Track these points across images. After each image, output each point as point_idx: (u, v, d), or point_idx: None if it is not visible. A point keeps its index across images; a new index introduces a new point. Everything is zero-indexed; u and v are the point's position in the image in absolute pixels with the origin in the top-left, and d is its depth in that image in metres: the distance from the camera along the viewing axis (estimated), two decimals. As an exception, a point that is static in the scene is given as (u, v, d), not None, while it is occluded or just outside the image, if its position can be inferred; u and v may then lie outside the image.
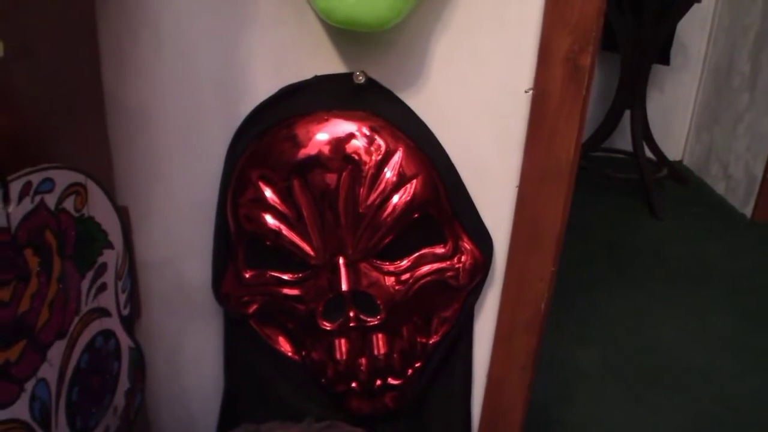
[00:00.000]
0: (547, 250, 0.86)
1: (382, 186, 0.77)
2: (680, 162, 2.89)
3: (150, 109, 0.82)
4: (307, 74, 0.79)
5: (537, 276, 0.87)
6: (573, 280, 1.87)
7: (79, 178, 0.69)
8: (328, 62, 0.79)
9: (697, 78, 2.77)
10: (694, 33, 2.66)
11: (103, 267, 0.76)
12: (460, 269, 0.82)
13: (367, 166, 0.77)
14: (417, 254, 0.82)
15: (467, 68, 0.79)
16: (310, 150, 0.77)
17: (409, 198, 0.78)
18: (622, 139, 2.62)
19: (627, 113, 2.47)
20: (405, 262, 0.81)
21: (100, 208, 0.74)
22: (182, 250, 0.89)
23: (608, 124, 2.52)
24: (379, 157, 0.77)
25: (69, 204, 0.68)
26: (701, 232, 2.32)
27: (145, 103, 0.82)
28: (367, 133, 0.77)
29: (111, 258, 0.77)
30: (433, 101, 0.80)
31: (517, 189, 0.83)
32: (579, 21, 0.76)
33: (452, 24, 0.77)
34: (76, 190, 0.69)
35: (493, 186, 0.84)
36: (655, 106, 2.72)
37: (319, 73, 0.79)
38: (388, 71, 0.79)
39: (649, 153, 2.53)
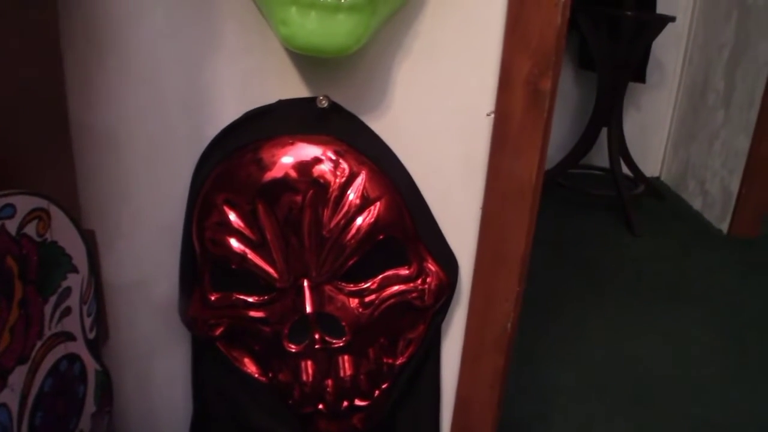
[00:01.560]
0: (512, 271, 0.87)
1: (345, 208, 0.78)
2: (658, 178, 2.93)
3: (116, 131, 0.82)
4: (271, 99, 0.80)
5: (503, 296, 0.88)
6: (550, 298, 1.88)
7: (42, 203, 0.70)
8: (292, 87, 0.80)
9: (674, 95, 2.81)
10: (669, 50, 2.70)
11: (67, 291, 0.76)
12: (425, 290, 0.83)
13: (330, 189, 0.78)
14: (381, 276, 0.82)
15: (429, 92, 0.80)
16: (274, 173, 0.77)
17: (372, 220, 0.79)
18: (600, 156, 2.65)
19: (604, 131, 2.50)
20: (369, 284, 0.82)
21: (63, 233, 0.74)
22: (150, 272, 0.90)
23: (586, 142, 2.55)
24: (343, 179, 0.78)
25: (31, 229, 0.68)
26: (678, 248, 2.35)
27: (111, 125, 0.82)
28: (332, 157, 0.78)
29: (75, 282, 0.77)
30: (395, 124, 0.81)
31: (480, 210, 0.85)
32: (539, 45, 0.78)
33: (414, 49, 0.79)
34: (38, 215, 0.69)
35: (457, 207, 0.85)
36: (632, 123, 2.76)
37: (284, 97, 0.80)
38: (351, 95, 0.80)
39: (626, 170, 2.56)
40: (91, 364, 0.81)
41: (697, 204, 2.64)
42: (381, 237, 0.79)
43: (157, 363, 0.95)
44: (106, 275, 0.89)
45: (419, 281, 0.83)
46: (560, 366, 1.59)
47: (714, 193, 2.53)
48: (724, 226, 2.45)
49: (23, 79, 0.70)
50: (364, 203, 0.78)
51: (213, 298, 0.83)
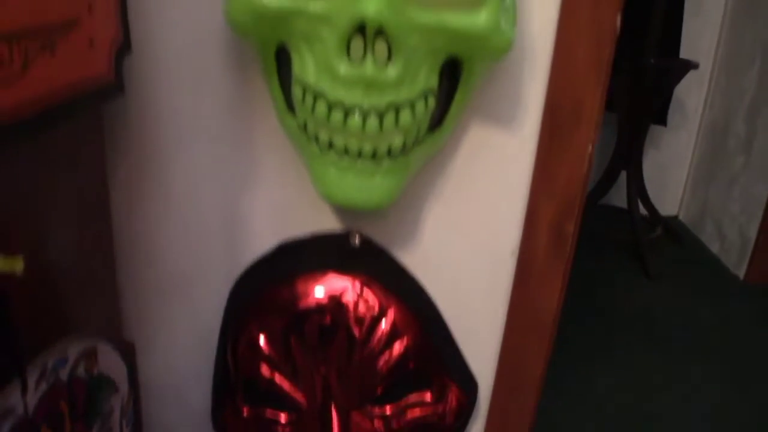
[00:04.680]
0: (529, 392, 0.90)
1: (375, 340, 0.82)
2: (675, 217, 2.93)
3: (157, 250, 0.87)
4: (305, 230, 0.84)
5: (519, 414, 0.92)
6: (563, 347, 1.91)
7: (90, 343, 0.74)
8: (325, 219, 0.84)
9: (694, 136, 2.82)
10: (691, 92, 2.70)
11: (110, 411, 0.81)
12: (447, 412, 0.87)
13: (362, 321, 0.82)
14: (405, 400, 0.86)
15: (457, 230, 0.84)
16: (306, 305, 0.82)
17: (400, 352, 0.83)
18: (618, 195, 2.66)
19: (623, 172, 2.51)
20: (393, 409, 0.86)
21: (109, 364, 0.78)
22: (185, 377, 0.94)
23: (605, 184, 2.57)
24: (373, 313, 0.82)
25: (80, 370, 0.73)
26: (694, 294, 2.36)
27: (152, 244, 0.87)
28: (362, 290, 0.82)
29: (117, 401, 0.82)
30: (424, 258, 0.85)
31: (502, 338, 0.88)
32: (564, 192, 0.81)
33: (445, 189, 0.82)
34: (86, 354, 0.74)
35: (479, 335, 0.88)
36: (652, 161, 2.77)
37: (317, 229, 0.84)
38: (382, 230, 0.84)
39: (643, 209, 2.58)
40: (129, 473, 0.86)
41: (714, 247, 2.65)
42: (407, 367, 0.83)
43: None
44: (141, 378, 0.93)
45: (441, 404, 0.87)
46: (573, 420, 1.61)
47: (732, 238, 2.54)
48: (741, 272, 2.46)
49: (77, 231, 0.74)
50: (393, 335, 0.82)
51: (245, 412, 0.88)
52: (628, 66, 2.27)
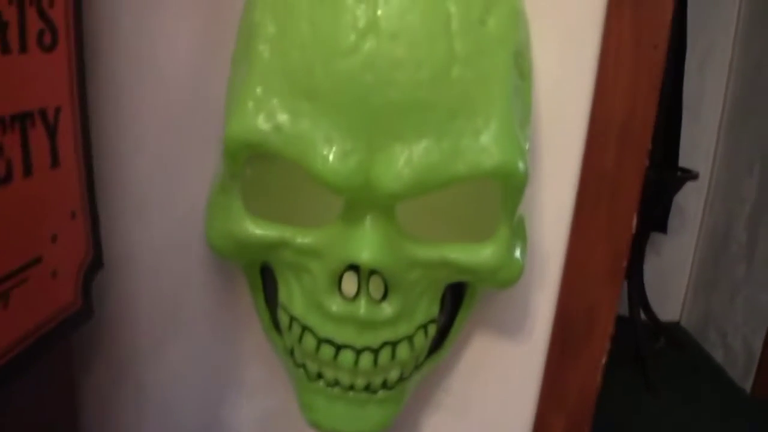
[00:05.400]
0: None
1: None
2: (677, 323, 2.86)
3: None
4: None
5: None
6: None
7: None
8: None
9: (694, 241, 2.77)
10: (690, 198, 2.67)
11: None
12: None
13: None
14: None
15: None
16: None
17: None
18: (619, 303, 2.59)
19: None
20: None
21: None
22: None
23: (605, 293, 2.50)
24: None
25: None
26: (699, 410, 2.26)
27: None
28: None
29: None
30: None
31: None
32: (576, 405, 0.74)
33: (444, 403, 0.75)
34: None
35: None
36: (653, 267, 2.72)
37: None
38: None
39: (645, 315, 2.51)
40: None
41: (718, 356, 2.57)
42: None
43: None
44: None
45: None
46: None
47: (737, 349, 2.46)
48: (747, 385, 2.38)
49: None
50: None
51: None
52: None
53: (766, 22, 2.43)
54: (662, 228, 2.58)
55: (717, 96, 2.64)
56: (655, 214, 2.39)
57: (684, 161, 2.48)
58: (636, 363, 2.42)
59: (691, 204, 2.70)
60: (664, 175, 2.31)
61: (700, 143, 2.61)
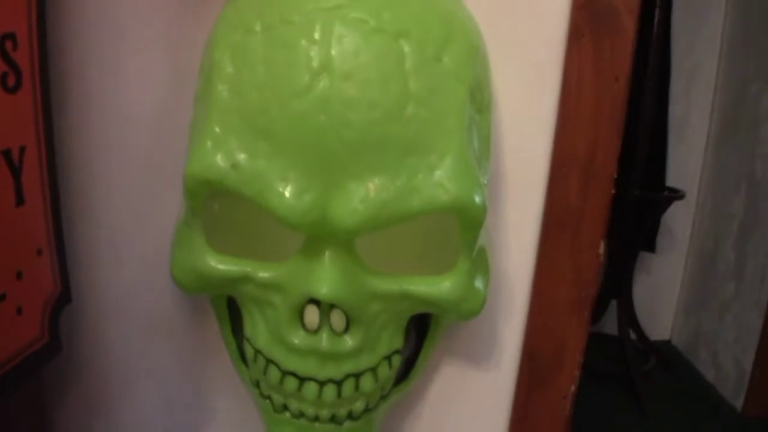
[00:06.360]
0: None
1: None
2: (668, 342, 2.86)
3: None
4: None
5: None
6: None
7: None
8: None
9: (683, 260, 2.78)
10: (677, 217, 2.68)
11: None
12: None
13: None
14: None
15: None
16: None
17: None
18: (608, 322, 2.60)
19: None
20: None
21: None
22: None
23: (594, 314, 2.50)
24: None
25: None
26: (690, 428, 2.26)
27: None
28: None
29: None
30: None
31: None
32: (545, 434, 0.74)
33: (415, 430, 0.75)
34: None
35: None
36: (642, 286, 2.72)
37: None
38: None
39: (633, 334, 2.51)
40: None
41: (710, 375, 2.56)
42: None
43: None
44: None
45: None
46: None
47: (727, 367, 2.46)
48: (738, 404, 2.37)
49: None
50: None
51: None
52: (614, 198, 2.25)
53: (751, 42, 2.46)
54: (650, 247, 2.59)
55: (703, 115, 2.66)
56: (643, 234, 2.39)
57: (671, 181, 2.50)
58: (626, 383, 2.41)
59: (679, 223, 2.71)
60: (651, 195, 2.32)
61: (687, 163, 2.63)
